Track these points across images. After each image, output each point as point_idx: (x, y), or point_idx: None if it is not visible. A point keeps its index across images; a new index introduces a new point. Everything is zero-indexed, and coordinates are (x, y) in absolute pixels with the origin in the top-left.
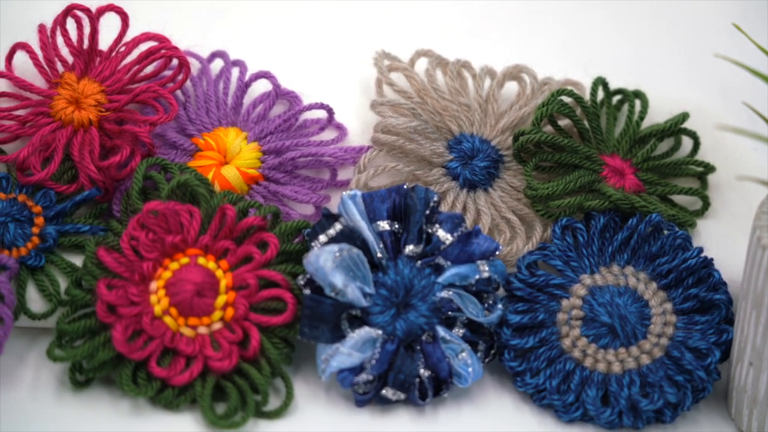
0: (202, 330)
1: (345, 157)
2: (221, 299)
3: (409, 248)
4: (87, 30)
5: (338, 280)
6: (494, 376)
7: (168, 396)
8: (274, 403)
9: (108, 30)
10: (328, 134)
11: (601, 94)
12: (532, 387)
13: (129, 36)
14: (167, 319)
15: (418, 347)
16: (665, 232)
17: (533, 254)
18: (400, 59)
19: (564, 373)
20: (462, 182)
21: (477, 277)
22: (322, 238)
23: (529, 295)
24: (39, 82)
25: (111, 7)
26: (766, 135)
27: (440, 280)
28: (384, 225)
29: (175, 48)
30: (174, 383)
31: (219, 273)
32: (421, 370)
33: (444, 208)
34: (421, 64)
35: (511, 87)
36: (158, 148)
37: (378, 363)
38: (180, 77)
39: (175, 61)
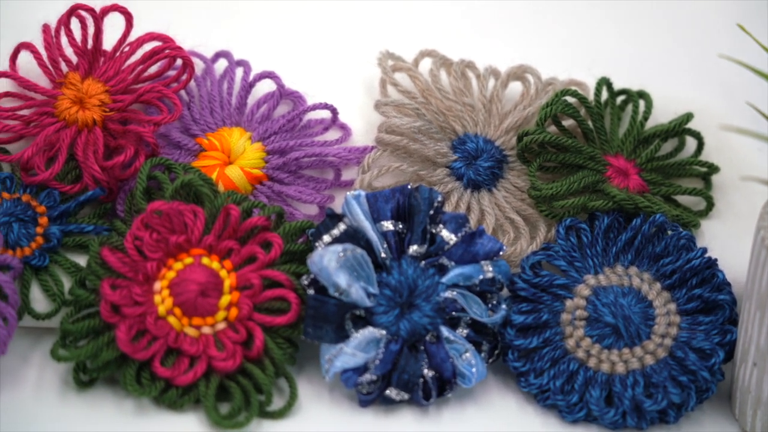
0: (206, 330)
1: (349, 157)
2: (225, 299)
3: (413, 248)
4: (91, 30)
5: (342, 280)
6: (498, 376)
7: (172, 396)
8: (277, 403)
9: (112, 30)
10: (332, 134)
11: (605, 95)
12: (536, 387)
13: (133, 36)
14: (171, 319)
15: (422, 347)
16: (669, 232)
17: (537, 254)
18: (404, 59)
19: (568, 374)
20: (466, 182)
21: (481, 277)
22: (326, 238)
23: (533, 295)
24: (43, 82)
25: (115, 7)
26: None
27: (444, 280)
28: (388, 225)
29: (179, 48)
30: (178, 383)
31: (223, 273)
32: (425, 371)
33: (448, 208)
34: (425, 64)
35: (515, 87)
36: (162, 148)
37: (382, 363)
38: (184, 77)
39: (179, 61)
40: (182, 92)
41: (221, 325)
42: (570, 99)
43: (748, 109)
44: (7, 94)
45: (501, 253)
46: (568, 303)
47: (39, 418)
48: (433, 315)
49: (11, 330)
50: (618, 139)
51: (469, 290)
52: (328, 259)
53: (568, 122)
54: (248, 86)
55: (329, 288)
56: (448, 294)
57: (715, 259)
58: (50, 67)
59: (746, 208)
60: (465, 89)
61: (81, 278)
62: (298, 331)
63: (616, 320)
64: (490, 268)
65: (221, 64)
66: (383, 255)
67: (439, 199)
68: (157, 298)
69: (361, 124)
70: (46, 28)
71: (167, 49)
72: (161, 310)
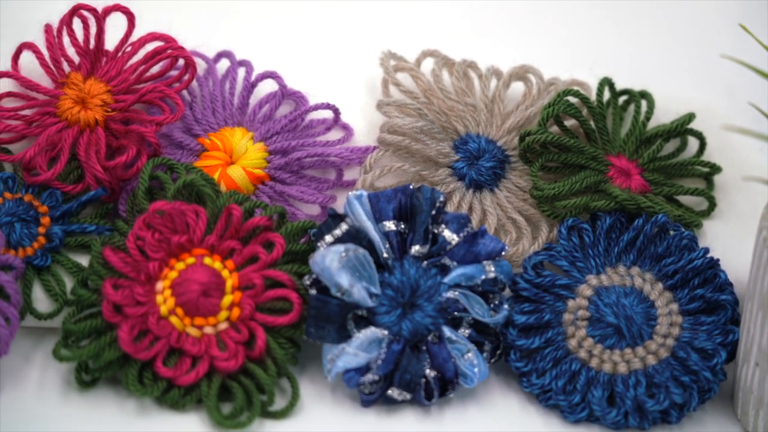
0: (208, 330)
1: (351, 157)
2: (227, 299)
3: (415, 248)
4: (93, 30)
5: (344, 280)
6: (500, 376)
7: (174, 396)
8: (279, 403)
9: (114, 30)
10: (334, 134)
11: (607, 95)
12: (538, 387)
13: (135, 36)
14: (173, 319)
15: (424, 347)
16: (671, 232)
17: (539, 255)
18: (406, 59)
19: (570, 374)
20: (468, 182)
21: (483, 277)
22: (328, 238)
23: (535, 295)
24: (45, 82)
25: (117, 7)
26: None
27: (446, 280)
28: (390, 225)
29: (182, 48)
30: (180, 383)
31: (225, 273)
32: (427, 371)
33: (450, 208)
34: (428, 65)
35: (518, 87)
36: (164, 148)
37: (384, 363)
38: (186, 77)
39: (181, 61)
40: (184, 92)
41: (223, 325)
42: (572, 99)
43: (750, 109)
44: (9, 94)
45: (503, 253)
46: (570, 303)
47: (41, 418)
48: (435, 315)
49: (13, 330)
50: (620, 139)
51: (471, 290)
52: (330, 259)
53: (570, 122)
54: (250, 86)
55: (331, 288)
56: (450, 294)
57: (717, 260)
58: (52, 67)
59: (748, 209)
60: (467, 89)
61: (83, 278)
62: (300, 331)
63: (618, 320)
64: (492, 268)
65: (223, 64)
66: (385, 255)
67: (441, 199)
68: (159, 298)
69: (363, 124)
70: (48, 28)
71: (169, 49)
72: (163, 310)
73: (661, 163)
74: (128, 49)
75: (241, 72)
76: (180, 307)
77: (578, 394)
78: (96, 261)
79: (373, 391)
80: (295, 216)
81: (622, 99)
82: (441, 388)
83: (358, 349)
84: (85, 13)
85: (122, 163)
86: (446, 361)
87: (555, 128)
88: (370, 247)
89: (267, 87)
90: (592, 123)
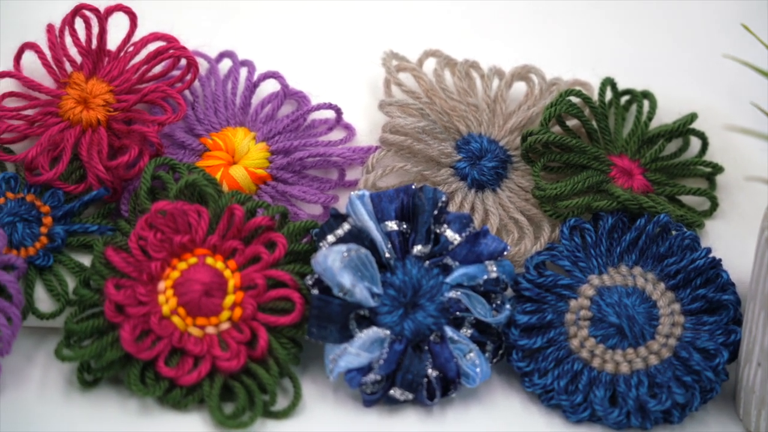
0: (210, 330)
1: (353, 157)
2: (229, 299)
3: (417, 248)
4: (95, 30)
5: (346, 280)
6: (502, 376)
7: (176, 396)
8: (282, 403)
9: (116, 30)
10: (337, 134)
11: (609, 95)
12: (540, 387)
13: (137, 36)
14: (175, 319)
15: (426, 347)
16: (673, 232)
17: (541, 254)
18: (409, 59)
19: (572, 374)
20: (470, 182)
21: (485, 277)
22: (330, 238)
23: (537, 295)
24: (47, 82)
25: (119, 7)
26: None
27: (448, 280)
28: (392, 225)
29: (184, 48)
30: (182, 383)
31: (227, 273)
32: (429, 371)
33: (452, 208)
34: (430, 64)
35: (520, 87)
36: (166, 148)
37: (386, 363)
38: (188, 77)
39: (183, 61)
40: (186, 92)
41: (225, 325)
42: (574, 99)
43: (753, 109)
44: (11, 94)
45: (505, 253)
46: (573, 303)
47: (43, 418)
48: (437, 315)
49: (15, 330)
50: (622, 139)
51: (474, 290)
52: (333, 259)
53: (572, 122)
54: (252, 86)
55: (333, 288)
56: (453, 294)
57: (720, 259)
58: (54, 67)
59: (750, 209)
60: (469, 89)
61: (85, 278)
62: (302, 331)
63: (621, 320)
64: (495, 268)
65: (225, 64)
66: (387, 255)
67: (444, 199)
68: (161, 298)
69: (366, 124)
70: (50, 28)
71: (171, 49)
72: (165, 309)
73: (663, 163)
74: (130, 49)
75: (244, 72)
76: (182, 306)
77: (580, 394)
78: (98, 261)
79: (375, 391)
80: (297, 216)
81: (624, 99)
82: (443, 388)
83: (360, 349)
84: (88, 13)
85: (124, 163)
86: (448, 361)
87: (557, 128)
88: (372, 247)
89: (269, 87)
90: (594, 123)
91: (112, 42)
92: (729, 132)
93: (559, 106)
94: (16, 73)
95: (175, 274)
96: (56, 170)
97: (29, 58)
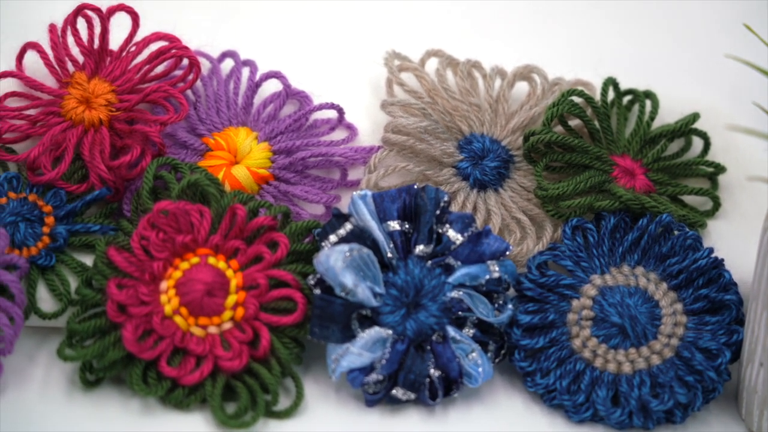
0: (213, 330)
1: (355, 157)
2: (231, 299)
3: (420, 248)
4: (97, 30)
5: (348, 279)
6: (504, 376)
7: (178, 395)
8: (284, 402)
9: (118, 30)
10: (339, 134)
11: (611, 95)
12: (543, 387)
13: (139, 36)
14: (177, 319)
15: (429, 347)
16: (676, 232)
17: (543, 254)
18: (411, 59)
19: (574, 374)
20: (472, 182)
21: (487, 277)
22: (333, 238)
23: (539, 295)
24: (50, 81)
25: (121, 7)
26: None
27: (450, 280)
28: (394, 225)
29: (186, 48)
30: (184, 383)
31: (229, 273)
32: (432, 370)
33: (454, 208)
34: (432, 64)
35: (522, 87)
36: (168, 147)
37: (388, 363)
38: (190, 77)
39: (185, 61)
40: (188, 92)
41: (227, 325)
42: (576, 99)
43: (755, 109)
44: (13, 94)
45: (507, 252)
46: (575, 303)
47: (45, 418)
48: (439, 315)
49: (18, 329)
50: (624, 139)
51: (476, 290)
52: (335, 258)
53: (574, 122)
54: (254, 86)
55: (335, 288)
56: (455, 294)
57: (722, 259)
58: (57, 66)
59: (753, 208)
60: (471, 89)
61: (87, 278)
62: (304, 330)
63: (623, 320)
64: (497, 268)
65: (227, 64)
66: (389, 255)
67: (446, 198)
68: (163, 298)
69: (368, 123)
70: (52, 28)
71: (174, 48)
72: (167, 309)
73: (665, 162)
74: (132, 48)
75: (246, 72)
76: (184, 306)
77: (582, 394)
78: (100, 260)
79: (378, 390)
80: (299, 216)
81: (626, 99)
82: (445, 387)
83: (363, 348)
84: (90, 12)
85: (126, 163)
86: (450, 360)
87: (559, 128)
88: (374, 246)
89: (271, 87)
90: (596, 123)
91: (114, 42)
92: (731, 132)
93: (561, 105)
94: (18, 73)
95: (178, 274)
96: (58, 170)
97: (31, 58)
